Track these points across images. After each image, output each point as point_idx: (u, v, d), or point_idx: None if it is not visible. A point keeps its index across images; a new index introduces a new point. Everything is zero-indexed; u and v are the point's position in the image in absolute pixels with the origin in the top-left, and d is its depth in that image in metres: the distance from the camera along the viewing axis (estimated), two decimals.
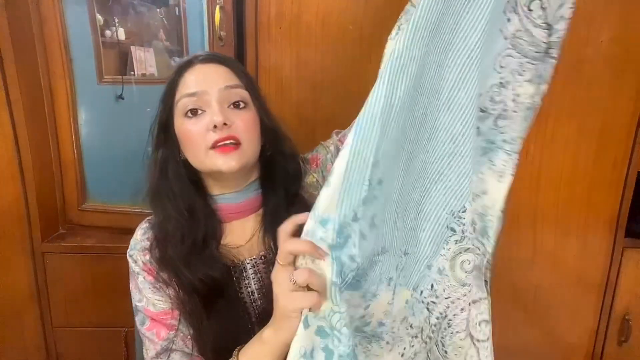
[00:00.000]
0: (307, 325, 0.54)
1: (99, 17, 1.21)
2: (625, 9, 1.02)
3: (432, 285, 0.67)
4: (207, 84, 0.69)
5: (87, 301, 1.28)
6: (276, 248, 0.70)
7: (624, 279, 1.21)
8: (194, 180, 0.74)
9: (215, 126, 0.67)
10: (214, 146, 0.67)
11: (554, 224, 1.18)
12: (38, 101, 1.23)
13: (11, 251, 1.26)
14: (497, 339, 1.28)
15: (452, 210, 0.64)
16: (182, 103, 0.69)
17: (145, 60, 1.24)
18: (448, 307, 0.68)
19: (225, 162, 0.67)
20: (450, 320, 0.68)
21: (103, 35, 1.22)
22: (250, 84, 0.74)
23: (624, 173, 1.13)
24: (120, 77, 1.24)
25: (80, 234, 1.31)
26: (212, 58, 0.73)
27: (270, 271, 0.69)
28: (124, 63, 1.24)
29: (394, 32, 0.56)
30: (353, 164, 0.50)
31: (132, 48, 1.23)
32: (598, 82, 1.07)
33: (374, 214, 0.55)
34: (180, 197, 0.72)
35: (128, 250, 0.75)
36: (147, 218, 0.79)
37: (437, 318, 0.68)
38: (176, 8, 1.20)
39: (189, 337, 0.74)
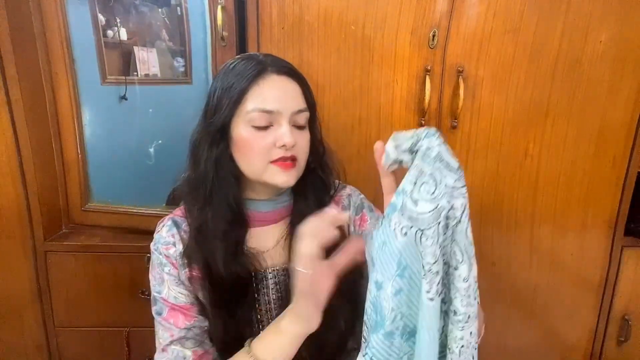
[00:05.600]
0: None
1: (100, 17, 1.21)
2: (624, 9, 1.03)
3: None
4: (282, 104, 0.70)
5: (89, 301, 1.28)
6: None
7: (623, 279, 1.22)
8: (237, 180, 0.76)
9: (283, 145, 0.70)
10: (275, 161, 0.71)
11: (552, 224, 1.18)
12: (40, 101, 1.22)
13: (13, 250, 1.26)
14: (496, 339, 1.30)
15: None
16: (253, 115, 0.70)
17: (148, 61, 1.25)
18: None
19: (282, 177, 0.72)
20: None
21: (105, 35, 1.22)
22: (312, 103, 0.77)
23: (623, 172, 1.14)
24: (123, 77, 1.24)
25: (83, 233, 1.31)
26: (285, 70, 0.73)
27: (290, 284, 0.73)
28: (127, 63, 1.24)
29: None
30: None
31: (135, 48, 1.23)
32: (597, 82, 1.08)
33: None
34: (232, 193, 0.75)
35: (152, 244, 0.78)
36: (169, 216, 0.80)
37: None
38: (178, 8, 1.20)
39: (205, 328, 0.77)
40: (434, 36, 1.05)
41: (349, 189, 0.88)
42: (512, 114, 1.10)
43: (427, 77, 1.06)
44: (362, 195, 0.88)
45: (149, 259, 1.22)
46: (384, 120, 1.12)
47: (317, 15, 1.06)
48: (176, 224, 0.78)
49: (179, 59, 1.23)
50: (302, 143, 0.73)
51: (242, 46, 1.12)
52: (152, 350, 1.35)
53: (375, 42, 1.07)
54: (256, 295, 0.77)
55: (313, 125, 0.78)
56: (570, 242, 1.20)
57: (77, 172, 1.30)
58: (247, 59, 0.73)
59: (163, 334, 0.75)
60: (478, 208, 1.17)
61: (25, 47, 1.17)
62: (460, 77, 1.06)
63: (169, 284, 0.76)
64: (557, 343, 1.28)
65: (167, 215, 0.81)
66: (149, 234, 1.26)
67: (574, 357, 1.29)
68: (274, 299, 0.78)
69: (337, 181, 0.88)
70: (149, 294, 1.25)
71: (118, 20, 1.22)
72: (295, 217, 0.79)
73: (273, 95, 0.70)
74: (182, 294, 0.76)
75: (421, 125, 1.10)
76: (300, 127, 0.74)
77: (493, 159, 1.13)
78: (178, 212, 0.80)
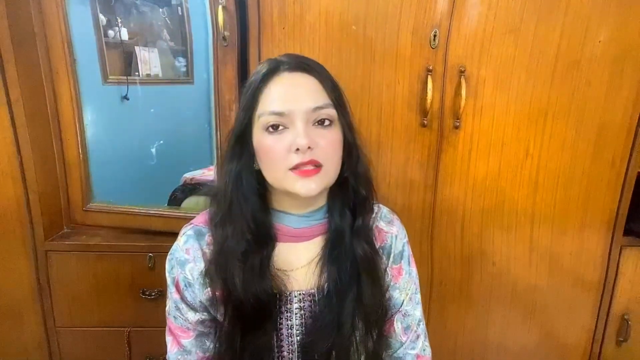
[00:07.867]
0: None
1: (101, 17, 1.21)
2: (623, 9, 1.03)
3: None
4: (293, 103, 0.63)
5: (90, 301, 1.28)
6: (331, 288, 0.71)
7: (622, 278, 1.22)
8: (262, 192, 0.70)
9: (298, 149, 0.62)
10: (294, 168, 0.63)
11: (552, 224, 1.19)
12: (40, 102, 1.22)
13: (14, 250, 1.26)
14: (496, 339, 1.30)
15: None
16: (264, 119, 0.64)
17: (149, 61, 1.25)
18: None
19: (304, 185, 0.63)
20: None
21: (106, 35, 1.22)
22: (338, 98, 0.68)
23: (623, 172, 1.14)
24: (125, 77, 1.24)
25: (85, 233, 1.31)
26: (299, 66, 0.66)
27: (315, 310, 0.72)
28: (129, 63, 1.25)
29: None
30: None
31: (137, 48, 1.24)
32: (596, 82, 1.08)
33: None
34: (251, 211, 0.69)
35: (169, 253, 0.73)
36: (194, 222, 0.75)
37: None
38: (179, 8, 1.20)
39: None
40: (435, 36, 1.05)
41: (396, 228, 0.80)
42: (513, 114, 1.10)
43: (429, 77, 1.06)
44: (406, 238, 0.81)
45: (150, 258, 1.23)
46: (385, 120, 1.12)
47: (318, 15, 1.06)
48: (198, 235, 0.72)
49: (181, 59, 1.23)
50: (325, 144, 0.64)
51: (243, 46, 1.12)
52: (153, 350, 1.35)
53: (376, 42, 1.07)
54: (279, 318, 0.72)
55: (344, 123, 0.68)
56: (569, 241, 1.20)
57: (78, 172, 1.30)
58: (266, 61, 0.68)
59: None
60: (480, 208, 1.17)
61: (25, 47, 1.16)
62: (462, 77, 1.06)
63: (170, 303, 0.73)
64: (557, 343, 1.28)
65: (187, 219, 0.77)
66: (150, 233, 1.28)
67: (573, 357, 1.30)
68: (296, 324, 0.73)
69: (384, 208, 0.81)
70: (150, 294, 1.25)
71: (119, 20, 1.22)
72: (331, 239, 0.72)
73: (283, 94, 0.64)
74: (179, 317, 0.72)
75: (424, 125, 1.11)
76: (323, 125, 0.65)
77: (495, 159, 1.14)
78: (202, 219, 0.74)
